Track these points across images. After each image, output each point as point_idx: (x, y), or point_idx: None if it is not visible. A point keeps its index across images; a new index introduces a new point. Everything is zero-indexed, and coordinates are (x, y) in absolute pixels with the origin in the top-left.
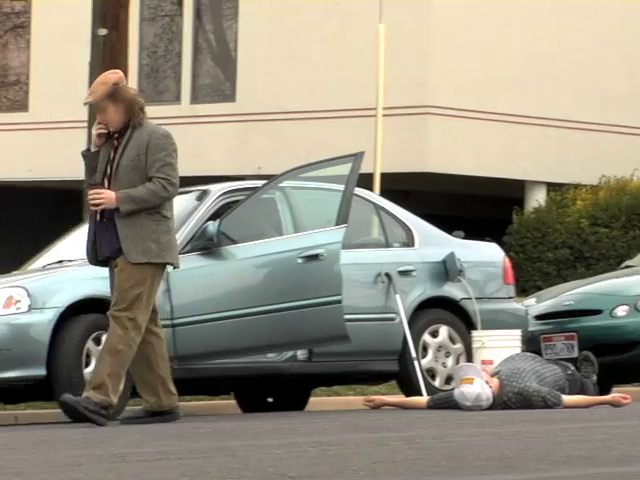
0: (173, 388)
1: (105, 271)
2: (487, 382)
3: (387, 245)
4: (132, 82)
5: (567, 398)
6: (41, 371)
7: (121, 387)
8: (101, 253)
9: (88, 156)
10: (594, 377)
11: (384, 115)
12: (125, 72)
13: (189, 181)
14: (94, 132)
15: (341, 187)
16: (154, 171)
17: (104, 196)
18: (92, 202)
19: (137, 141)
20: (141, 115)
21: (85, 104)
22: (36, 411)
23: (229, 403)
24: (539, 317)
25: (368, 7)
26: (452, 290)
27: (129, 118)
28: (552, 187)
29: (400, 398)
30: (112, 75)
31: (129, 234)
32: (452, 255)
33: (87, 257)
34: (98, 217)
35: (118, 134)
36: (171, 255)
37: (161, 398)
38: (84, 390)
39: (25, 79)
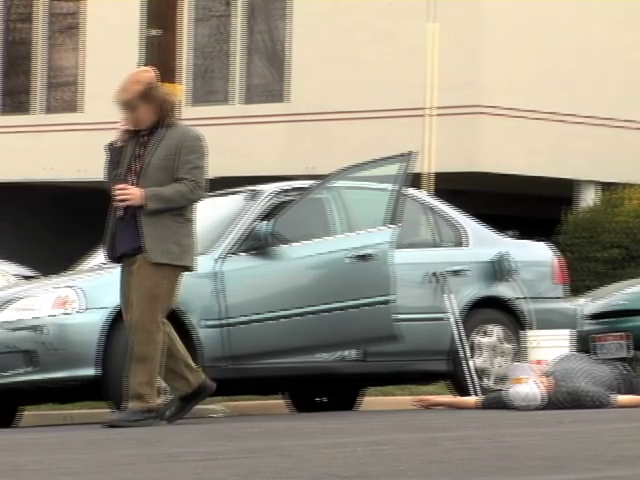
0: (193, 364)
1: None
2: (538, 382)
3: (438, 245)
4: (183, 82)
5: (618, 398)
6: (94, 371)
7: (156, 387)
8: (119, 249)
9: (113, 150)
10: None
11: (436, 115)
12: (176, 72)
13: (240, 181)
14: (119, 127)
15: (391, 187)
16: (183, 173)
17: (130, 192)
18: (118, 198)
19: (169, 141)
20: (172, 115)
21: (116, 102)
22: (91, 411)
23: (281, 403)
24: (592, 317)
25: (419, 6)
26: (504, 290)
27: (159, 118)
28: (603, 186)
29: (451, 398)
30: (145, 74)
31: (152, 233)
32: (504, 255)
33: (105, 253)
34: (121, 213)
35: (147, 132)
36: (190, 259)
37: (189, 379)
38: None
39: (77, 80)
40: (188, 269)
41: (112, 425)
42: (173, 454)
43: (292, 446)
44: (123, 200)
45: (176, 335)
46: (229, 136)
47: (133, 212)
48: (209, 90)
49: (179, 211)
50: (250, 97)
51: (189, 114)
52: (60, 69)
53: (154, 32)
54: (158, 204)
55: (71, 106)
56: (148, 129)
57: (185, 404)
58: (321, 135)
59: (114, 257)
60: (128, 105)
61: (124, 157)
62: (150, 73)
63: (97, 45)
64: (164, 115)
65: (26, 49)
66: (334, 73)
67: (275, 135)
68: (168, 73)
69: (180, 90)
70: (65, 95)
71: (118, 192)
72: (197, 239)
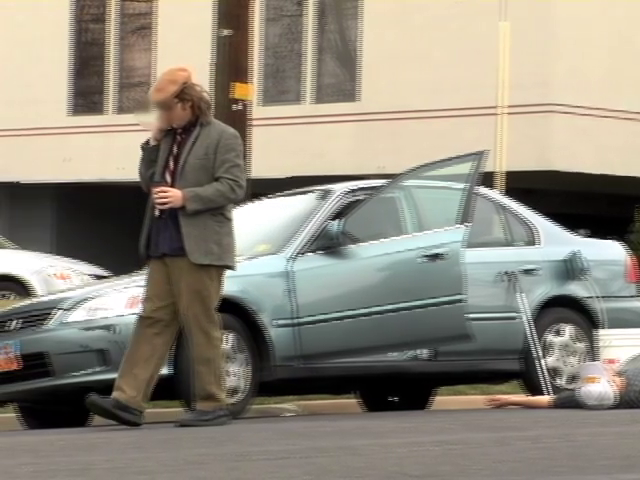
0: (150, 392)
1: (227, 271)
2: (611, 381)
3: (510, 244)
4: (255, 82)
5: None
6: (164, 370)
7: (224, 381)
8: (158, 249)
9: (147, 149)
10: None
11: (507, 113)
12: (248, 72)
13: (311, 180)
14: (154, 126)
15: (463, 186)
16: (222, 171)
17: (171, 194)
18: (159, 201)
19: (206, 140)
20: (208, 113)
21: (152, 101)
22: (162, 410)
23: (353, 402)
24: None
25: (491, 5)
26: (576, 289)
27: (195, 116)
28: None
29: (523, 397)
30: (181, 73)
31: (192, 234)
32: (576, 253)
33: (140, 251)
34: (157, 212)
35: (182, 130)
36: (231, 258)
37: (139, 397)
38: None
39: (149, 80)
40: (230, 268)
41: (184, 425)
42: (245, 453)
43: (363, 445)
44: (164, 203)
45: (165, 360)
46: (300, 136)
47: (171, 212)
48: (280, 90)
49: (219, 210)
50: (321, 97)
51: (260, 114)
52: (132, 69)
53: (225, 32)
54: (198, 205)
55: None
56: (183, 128)
57: (115, 407)
58: (392, 134)
59: (148, 256)
60: (164, 105)
61: (159, 156)
62: (185, 72)
63: (168, 45)
64: (200, 114)
65: (98, 50)
66: (405, 72)
67: (346, 135)
68: (240, 73)
69: (251, 90)
70: (137, 95)
71: (159, 194)
72: (272, 238)
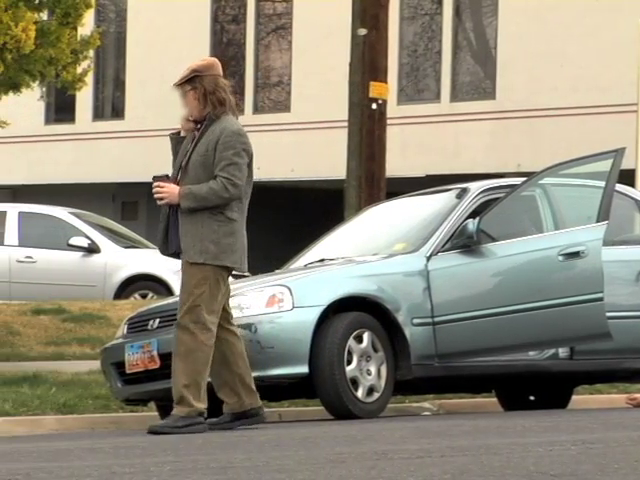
0: (254, 387)
1: (366, 269)
2: None
3: None
4: (392, 81)
5: None
6: (304, 369)
7: (203, 391)
8: (171, 247)
9: (174, 139)
10: None
11: None
12: (385, 71)
13: (448, 179)
14: (182, 116)
15: (602, 183)
16: (219, 169)
17: (166, 190)
18: (155, 196)
19: (209, 136)
20: (219, 108)
21: (173, 85)
22: (299, 409)
23: (490, 401)
24: None
25: (630, 1)
26: None
27: (208, 109)
28: None
29: None
30: (197, 62)
31: (189, 232)
32: None
33: (160, 249)
34: (166, 209)
35: (200, 125)
36: (232, 259)
37: (242, 397)
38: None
39: (287, 80)
40: (231, 269)
41: (153, 432)
42: (383, 452)
43: (502, 444)
44: (160, 199)
45: (244, 353)
46: (436, 134)
47: (176, 210)
48: (416, 89)
49: (219, 209)
50: (457, 95)
51: (396, 113)
52: (269, 70)
53: (362, 32)
54: (191, 203)
55: (280, 106)
56: (201, 122)
57: (231, 420)
58: (529, 132)
59: (168, 253)
60: (180, 93)
61: (181, 151)
62: (203, 62)
63: (305, 45)
64: (211, 107)
65: (237, 50)
66: (543, 70)
67: (483, 133)
68: (376, 72)
69: (387, 89)
70: (274, 95)
71: (155, 190)
72: (409, 236)
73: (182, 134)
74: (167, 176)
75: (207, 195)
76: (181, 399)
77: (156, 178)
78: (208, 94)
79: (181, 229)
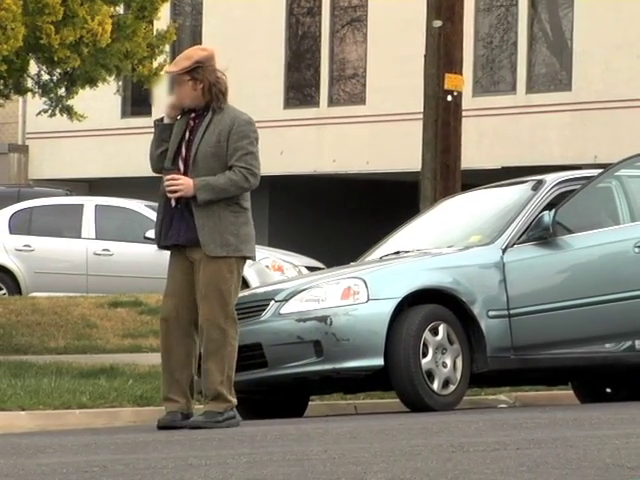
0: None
1: (442, 261)
2: None
3: None
4: (467, 73)
5: None
6: (379, 361)
7: (232, 384)
8: (176, 239)
9: (159, 127)
10: None
11: None
12: (460, 63)
13: (525, 171)
14: (167, 102)
15: None
16: (235, 160)
17: (182, 183)
18: (169, 189)
19: (218, 126)
20: (221, 99)
21: (166, 72)
22: (375, 401)
23: (567, 393)
24: None
25: None
26: None
27: (207, 100)
28: None
29: None
30: (199, 52)
31: (207, 225)
32: None
33: (156, 240)
34: (173, 202)
35: (195, 114)
36: (249, 248)
37: (189, 400)
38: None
39: (362, 72)
40: (249, 258)
41: (194, 427)
42: (459, 444)
43: (578, 437)
44: (174, 191)
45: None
46: (512, 126)
47: (186, 202)
48: (492, 80)
49: (234, 199)
50: (534, 86)
51: (471, 105)
52: (344, 62)
53: (437, 23)
54: (210, 195)
55: (355, 98)
56: (197, 112)
57: (183, 420)
58: (607, 124)
59: (165, 246)
60: (175, 79)
61: (172, 137)
62: (205, 52)
63: (380, 37)
64: (212, 98)
65: (312, 43)
66: (620, 61)
67: (559, 124)
68: (452, 64)
69: (462, 81)
70: (349, 88)
71: (170, 182)
72: (484, 228)
73: (166, 121)
74: (178, 169)
75: (226, 186)
76: (218, 395)
77: (167, 171)
78: (212, 86)
79: (197, 223)
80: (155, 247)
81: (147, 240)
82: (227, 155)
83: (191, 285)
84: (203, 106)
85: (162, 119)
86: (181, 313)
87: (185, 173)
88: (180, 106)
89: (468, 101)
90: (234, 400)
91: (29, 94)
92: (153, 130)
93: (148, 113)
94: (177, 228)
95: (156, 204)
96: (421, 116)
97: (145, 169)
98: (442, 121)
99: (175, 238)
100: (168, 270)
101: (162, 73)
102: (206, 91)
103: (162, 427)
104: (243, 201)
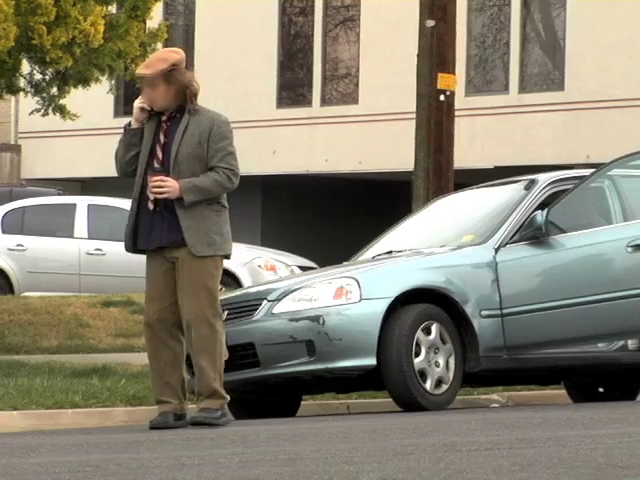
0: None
1: (434, 261)
2: None
3: None
4: (460, 72)
5: None
6: (371, 361)
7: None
8: (159, 241)
9: (129, 131)
10: None
11: None
12: (453, 63)
13: (517, 170)
14: (136, 105)
15: None
16: (217, 161)
17: (169, 185)
18: (157, 190)
19: (198, 128)
20: (194, 101)
21: (137, 75)
22: (367, 400)
23: (560, 393)
24: None
25: None
26: None
27: (179, 102)
28: None
29: None
30: (173, 54)
31: (192, 226)
32: None
33: (126, 244)
34: (151, 205)
35: (167, 117)
36: (230, 246)
37: (182, 401)
38: (197, 400)
39: (355, 72)
40: (228, 257)
41: (196, 423)
42: (452, 443)
43: (571, 436)
44: (161, 193)
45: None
46: (505, 126)
47: (167, 204)
48: (485, 80)
49: (215, 199)
50: (526, 86)
51: (464, 104)
52: (337, 62)
53: (430, 23)
54: (196, 196)
55: (348, 98)
56: (169, 114)
57: (176, 420)
58: (599, 124)
59: (140, 250)
60: (148, 81)
61: (143, 140)
62: (178, 55)
63: (373, 37)
64: (184, 101)
65: (304, 42)
66: (612, 61)
67: (551, 124)
68: (445, 64)
69: (455, 81)
70: (342, 87)
71: (157, 183)
72: (477, 228)
73: (133, 125)
74: (164, 171)
75: (211, 187)
76: (214, 392)
77: (153, 173)
78: (186, 88)
79: (182, 224)
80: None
81: None
82: (207, 156)
83: (172, 287)
84: (174, 108)
85: (130, 123)
86: (165, 316)
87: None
88: (150, 108)
89: (461, 101)
90: (227, 396)
91: (21, 93)
92: (123, 134)
93: None
94: (159, 230)
95: None
96: (414, 116)
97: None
98: (435, 121)
99: (158, 240)
100: (147, 274)
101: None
102: (179, 93)
103: (154, 428)
104: (223, 200)
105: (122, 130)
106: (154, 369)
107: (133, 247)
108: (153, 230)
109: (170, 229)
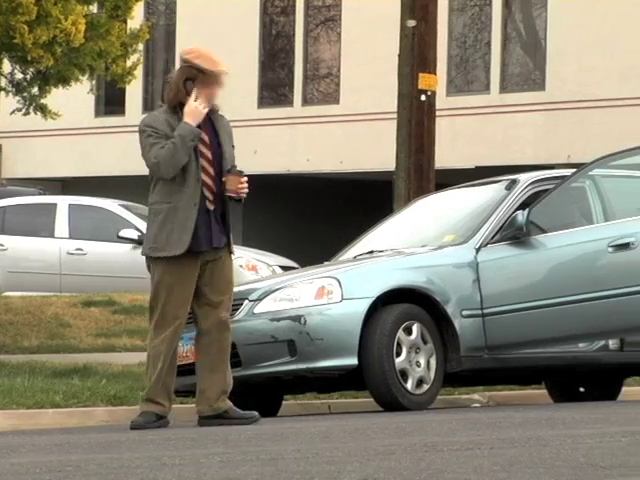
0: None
1: (415, 261)
2: None
3: None
4: (441, 72)
5: None
6: (353, 361)
7: None
8: (217, 241)
9: (198, 136)
10: None
11: None
12: (434, 63)
13: (498, 170)
14: (202, 109)
15: None
16: (234, 160)
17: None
18: (243, 192)
19: (225, 128)
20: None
21: (223, 72)
22: (349, 400)
23: (541, 393)
24: None
25: None
26: None
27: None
28: None
29: None
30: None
31: (231, 225)
32: None
33: (178, 245)
34: (211, 206)
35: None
36: None
37: (171, 404)
38: (217, 400)
39: (336, 72)
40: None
41: (231, 417)
42: (433, 443)
43: (552, 436)
44: (242, 194)
45: None
46: (487, 125)
47: (221, 204)
48: (466, 80)
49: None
50: (507, 86)
51: (445, 104)
52: (318, 62)
53: (411, 23)
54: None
55: (329, 98)
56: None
57: (156, 421)
58: (579, 123)
59: (189, 252)
60: (218, 80)
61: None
62: (185, 52)
63: (354, 37)
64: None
65: (285, 42)
66: (593, 61)
67: (532, 124)
68: (427, 64)
69: (436, 81)
70: (323, 87)
71: (243, 185)
72: (458, 228)
73: (195, 124)
74: (242, 172)
75: None
76: (227, 392)
77: (237, 173)
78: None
79: (229, 224)
80: (129, 247)
81: (121, 240)
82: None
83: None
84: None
85: (200, 127)
86: (185, 318)
87: (217, 174)
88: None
89: (442, 101)
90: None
91: (2, 93)
92: (180, 139)
93: (122, 112)
94: (217, 231)
95: (130, 203)
96: (395, 116)
97: (119, 168)
98: (416, 121)
99: (218, 241)
100: (179, 278)
101: (135, 72)
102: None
103: (135, 428)
104: None
105: (148, 133)
106: (162, 369)
107: (187, 249)
108: (212, 231)
109: (221, 229)
